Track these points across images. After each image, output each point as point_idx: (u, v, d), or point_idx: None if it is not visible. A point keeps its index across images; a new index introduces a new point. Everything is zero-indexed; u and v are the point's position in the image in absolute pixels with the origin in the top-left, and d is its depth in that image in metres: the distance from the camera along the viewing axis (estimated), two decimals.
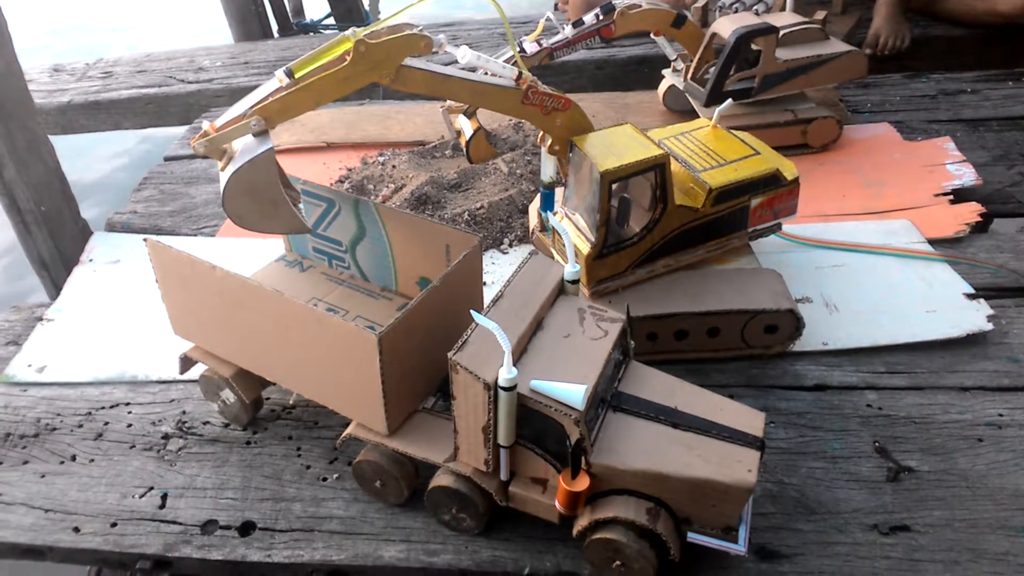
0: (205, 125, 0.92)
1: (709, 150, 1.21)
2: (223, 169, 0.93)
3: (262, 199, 0.93)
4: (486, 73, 1.06)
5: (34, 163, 1.64)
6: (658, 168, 1.07)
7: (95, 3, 5.57)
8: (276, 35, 3.57)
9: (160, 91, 2.50)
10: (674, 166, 1.18)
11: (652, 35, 1.72)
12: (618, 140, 1.10)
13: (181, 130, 2.20)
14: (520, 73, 1.05)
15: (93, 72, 2.72)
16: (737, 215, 1.18)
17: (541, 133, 1.14)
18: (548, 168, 1.17)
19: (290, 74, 0.94)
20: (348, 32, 0.94)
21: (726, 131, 1.27)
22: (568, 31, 1.62)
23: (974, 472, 0.97)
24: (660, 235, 1.13)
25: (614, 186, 1.05)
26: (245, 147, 0.93)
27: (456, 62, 1.03)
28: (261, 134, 0.92)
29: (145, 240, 1.01)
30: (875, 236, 1.39)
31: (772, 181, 1.18)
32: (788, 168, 1.19)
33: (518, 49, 1.60)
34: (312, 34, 3.72)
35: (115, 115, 2.53)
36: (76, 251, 1.60)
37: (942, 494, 0.95)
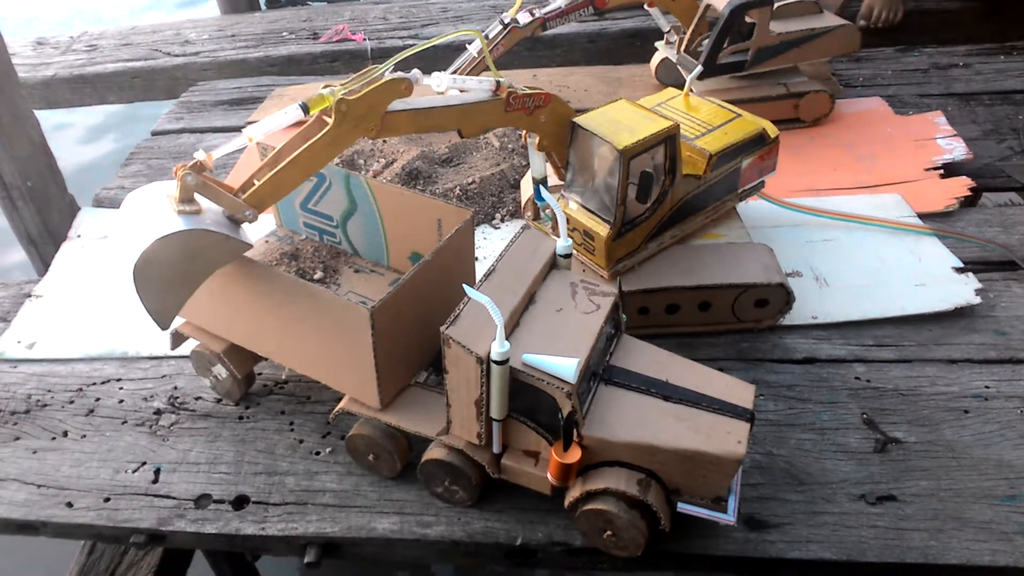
0: (200, 155, 0.84)
1: (693, 118, 1.23)
2: (178, 211, 0.83)
3: (186, 271, 0.84)
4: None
5: (19, 138, 1.62)
6: (669, 140, 1.06)
7: None
8: (263, 7, 3.52)
9: (146, 64, 2.46)
10: None
11: (646, 6, 1.71)
12: (621, 116, 1.08)
13: (168, 104, 2.17)
14: (498, 82, 1.02)
15: (78, 45, 2.68)
16: (731, 177, 1.21)
17: (524, 132, 1.12)
18: (538, 163, 1.16)
19: (305, 109, 0.88)
20: (325, 91, 0.88)
21: (700, 98, 1.29)
22: (561, 0, 1.60)
23: (960, 443, 0.99)
24: (669, 206, 1.14)
25: (632, 162, 1.04)
26: (221, 217, 0.85)
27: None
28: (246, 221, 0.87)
29: None
30: (866, 210, 1.40)
31: (760, 141, 1.21)
32: (769, 127, 1.22)
33: (506, 25, 1.59)
34: (299, 7, 3.67)
35: (101, 89, 2.49)
36: (64, 227, 1.59)
37: (928, 465, 0.96)
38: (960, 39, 2.08)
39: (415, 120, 0.97)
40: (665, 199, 1.12)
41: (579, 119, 1.08)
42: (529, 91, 1.04)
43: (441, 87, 0.98)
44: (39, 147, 1.67)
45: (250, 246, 0.85)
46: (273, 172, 0.88)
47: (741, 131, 1.20)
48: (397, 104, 0.93)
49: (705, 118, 1.22)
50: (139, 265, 0.80)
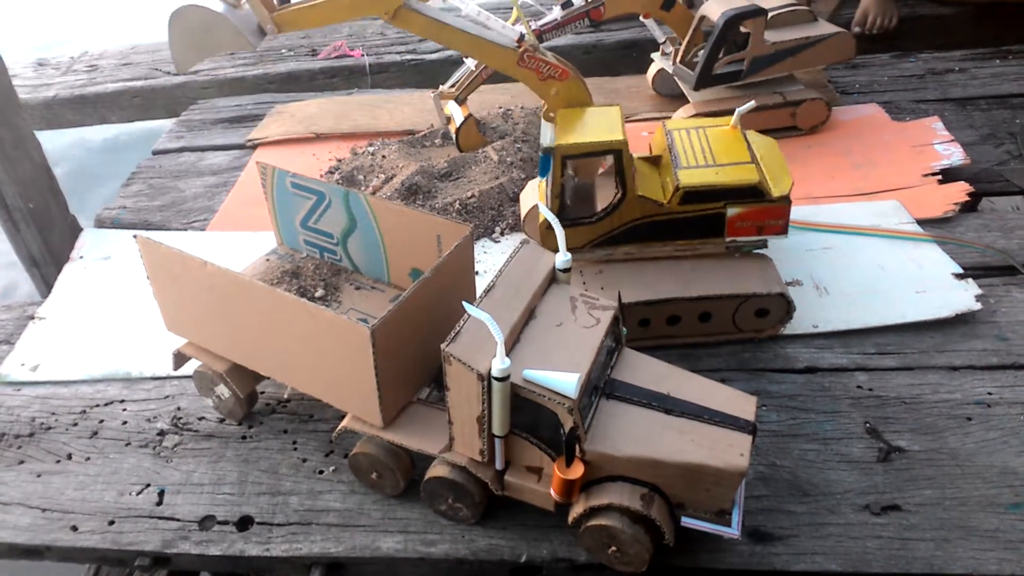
0: None
1: (708, 149, 1.17)
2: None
3: (202, 39, 1.16)
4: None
5: (21, 160, 1.62)
6: (614, 153, 1.08)
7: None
8: None
9: (146, 84, 2.47)
10: (665, 157, 1.18)
11: (641, 17, 1.72)
12: (593, 120, 1.11)
13: (168, 123, 2.19)
14: (523, 35, 1.05)
15: (78, 66, 2.69)
16: (711, 220, 1.14)
17: (544, 104, 1.15)
18: (547, 133, 1.17)
19: None
20: None
21: (742, 134, 1.20)
22: (557, 12, 1.61)
23: (963, 451, 0.99)
24: (620, 221, 1.14)
25: (569, 162, 1.08)
26: (251, 21, 1.15)
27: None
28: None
29: (135, 236, 1.00)
30: (864, 218, 1.40)
31: (751, 193, 1.11)
32: (780, 185, 1.12)
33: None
34: None
35: (101, 109, 2.51)
36: (66, 248, 1.59)
37: (932, 473, 0.96)
38: (955, 44, 2.08)
39: (428, 26, 1.06)
40: (614, 211, 1.13)
41: (562, 110, 1.12)
42: (550, 60, 1.08)
43: (466, 9, 1.02)
44: (40, 168, 1.68)
45: (253, 48, 1.16)
46: (299, 7, 1.07)
47: (732, 177, 1.11)
48: (418, 5, 1.05)
49: (719, 153, 1.16)
50: (176, 11, 1.13)
